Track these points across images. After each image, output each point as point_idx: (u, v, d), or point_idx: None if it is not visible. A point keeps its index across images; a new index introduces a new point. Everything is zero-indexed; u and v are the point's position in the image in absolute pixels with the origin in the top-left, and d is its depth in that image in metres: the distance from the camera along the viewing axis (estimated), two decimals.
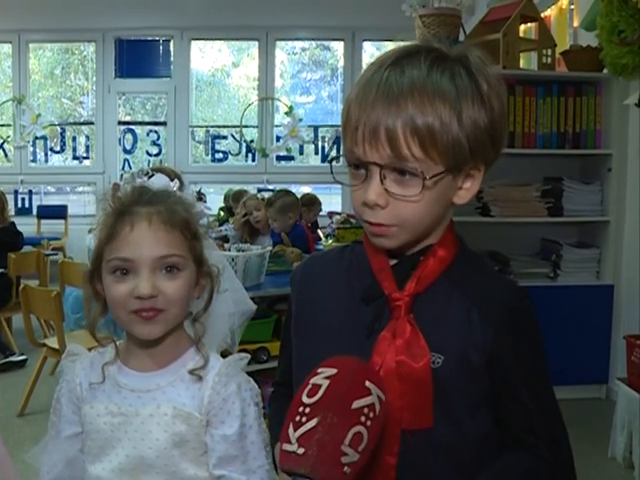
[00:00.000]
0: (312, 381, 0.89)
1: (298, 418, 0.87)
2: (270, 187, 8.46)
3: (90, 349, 1.34)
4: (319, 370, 0.91)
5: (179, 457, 1.21)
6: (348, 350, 1.05)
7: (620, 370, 3.61)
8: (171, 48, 8.85)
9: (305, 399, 0.88)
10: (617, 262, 4.08)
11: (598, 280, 4.16)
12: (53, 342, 3.82)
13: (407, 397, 1.01)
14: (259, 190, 7.91)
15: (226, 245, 3.61)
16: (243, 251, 3.37)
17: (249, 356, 1.31)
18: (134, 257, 1.17)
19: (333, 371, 0.89)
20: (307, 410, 0.87)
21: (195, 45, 8.91)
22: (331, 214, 5.57)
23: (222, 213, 6.79)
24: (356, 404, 0.87)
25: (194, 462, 1.22)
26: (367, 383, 0.89)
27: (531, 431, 1.05)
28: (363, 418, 0.86)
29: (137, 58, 8.78)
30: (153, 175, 1.29)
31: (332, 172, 1.07)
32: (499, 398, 1.04)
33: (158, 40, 8.88)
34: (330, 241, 4.10)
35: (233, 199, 6.10)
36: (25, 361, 4.66)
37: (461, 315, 1.03)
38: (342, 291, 1.11)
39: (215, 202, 7.40)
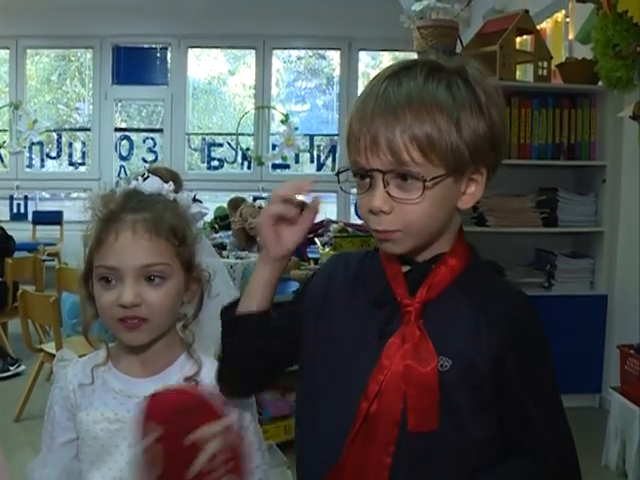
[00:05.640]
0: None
1: None
2: (264, 195, 8.48)
3: (81, 356, 1.34)
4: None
5: None
6: (358, 351, 1.08)
7: (613, 379, 3.64)
8: (168, 56, 8.88)
9: None
10: (611, 272, 4.13)
11: (592, 290, 4.20)
12: (50, 347, 3.83)
13: (413, 400, 1.03)
14: (255, 198, 7.93)
15: (224, 252, 3.63)
16: (241, 259, 3.40)
17: None
18: (118, 265, 1.18)
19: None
20: None
21: (192, 53, 8.94)
22: (329, 222, 5.58)
23: (216, 227, 6.77)
24: (192, 471, 0.87)
25: None
26: (189, 438, 0.91)
27: (536, 437, 1.07)
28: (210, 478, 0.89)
29: (134, 65, 8.79)
30: (148, 177, 1.29)
31: (339, 182, 1.09)
32: (504, 404, 1.06)
33: (155, 47, 8.90)
34: (327, 249, 4.12)
35: (230, 206, 6.12)
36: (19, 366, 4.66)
37: (469, 323, 1.05)
38: (359, 293, 1.13)
39: (209, 210, 7.40)
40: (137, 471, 0.93)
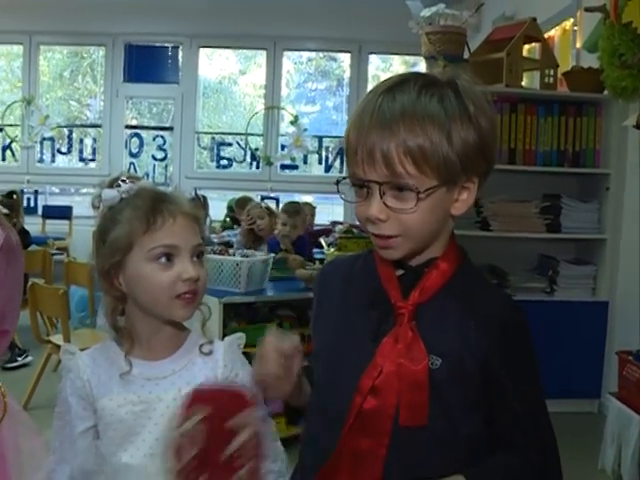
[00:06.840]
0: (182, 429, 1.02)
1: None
2: (272, 195, 8.54)
3: (83, 349, 1.39)
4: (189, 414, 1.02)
5: None
6: (353, 351, 1.14)
7: (612, 385, 3.67)
8: (179, 54, 8.94)
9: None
10: (612, 279, 4.16)
11: (593, 296, 4.24)
12: (58, 339, 3.89)
13: (405, 396, 1.09)
14: (263, 198, 7.98)
15: (230, 250, 3.68)
16: (247, 257, 3.45)
17: (244, 335, 1.42)
18: (179, 244, 1.28)
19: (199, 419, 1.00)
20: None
21: (203, 52, 9.00)
22: (334, 223, 5.65)
23: (227, 220, 6.91)
24: (226, 453, 0.96)
25: None
26: (229, 423, 0.99)
27: (521, 435, 1.12)
28: (238, 461, 0.97)
29: (146, 63, 8.86)
30: (131, 182, 1.36)
31: (339, 191, 1.13)
32: (492, 402, 1.11)
33: (167, 46, 8.97)
34: (332, 250, 4.17)
35: (237, 205, 6.19)
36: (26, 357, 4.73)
37: (459, 325, 1.11)
38: (354, 294, 1.19)
39: (217, 208, 7.47)
40: (172, 452, 1.01)
